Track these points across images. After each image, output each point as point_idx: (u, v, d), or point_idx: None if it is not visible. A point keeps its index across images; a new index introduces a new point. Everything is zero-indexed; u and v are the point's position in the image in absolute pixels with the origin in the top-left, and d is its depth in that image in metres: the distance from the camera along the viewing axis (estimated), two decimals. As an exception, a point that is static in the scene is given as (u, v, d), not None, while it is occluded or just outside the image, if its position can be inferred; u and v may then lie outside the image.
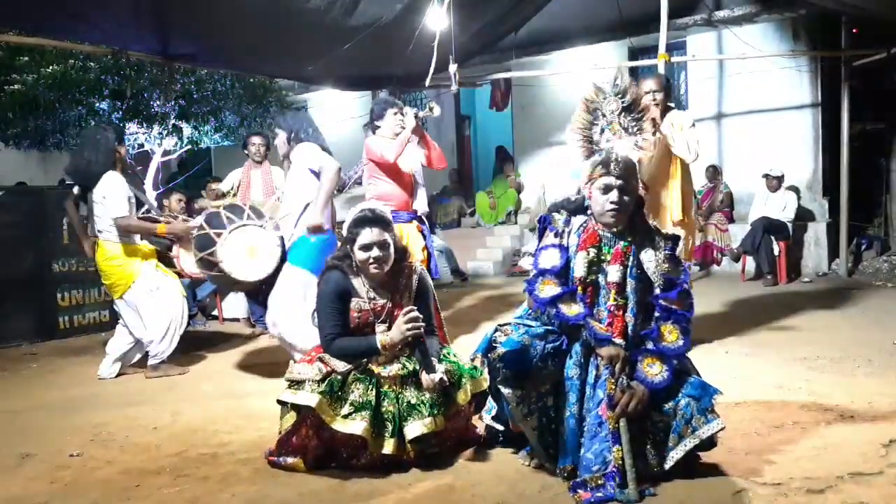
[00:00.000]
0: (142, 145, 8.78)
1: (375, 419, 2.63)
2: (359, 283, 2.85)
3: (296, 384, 2.67)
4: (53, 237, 5.87)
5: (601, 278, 2.56)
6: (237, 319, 6.22)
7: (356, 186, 6.76)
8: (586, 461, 2.41)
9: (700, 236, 8.44)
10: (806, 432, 2.87)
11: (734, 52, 8.34)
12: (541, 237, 2.70)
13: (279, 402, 2.71)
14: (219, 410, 3.55)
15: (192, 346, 5.23)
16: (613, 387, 2.42)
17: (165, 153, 9.16)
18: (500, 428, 2.77)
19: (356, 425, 2.58)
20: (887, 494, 2.28)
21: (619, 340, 2.49)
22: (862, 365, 3.99)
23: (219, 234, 3.87)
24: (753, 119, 8.69)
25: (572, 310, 2.49)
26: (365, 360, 2.76)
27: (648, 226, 2.66)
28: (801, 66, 8.29)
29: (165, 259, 4.60)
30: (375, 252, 2.78)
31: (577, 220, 2.65)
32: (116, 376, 4.38)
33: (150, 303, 4.30)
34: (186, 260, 4.47)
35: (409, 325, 2.72)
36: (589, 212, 2.64)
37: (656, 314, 2.52)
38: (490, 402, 2.76)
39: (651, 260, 2.56)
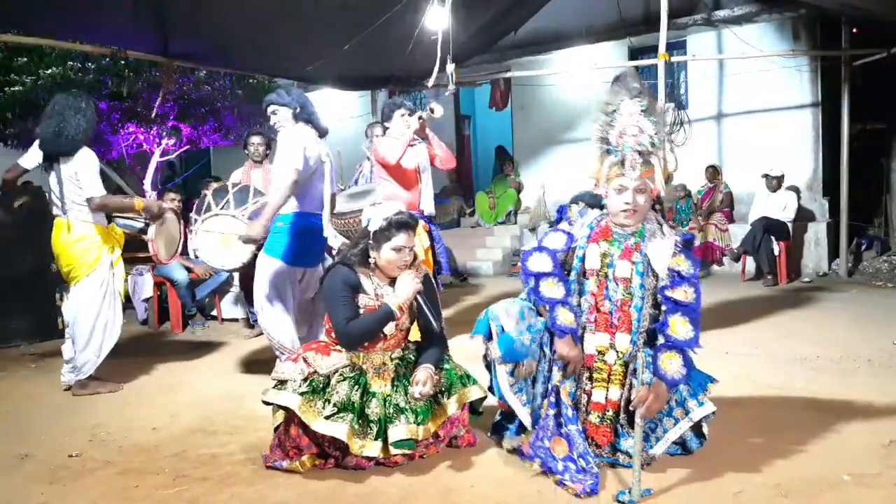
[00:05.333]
0: (140, 145, 8.79)
1: (360, 420, 2.64)
2: (366, 281, 2.87)
3: (280, 384, 2.69)
4: (52, 237, 5.85)
5: (610, 272, 2.62)
6: (236, 320, 6.21)
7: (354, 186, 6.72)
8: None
9: (700, 236, 8.45)
10: (806, 432, 2.87)
11: (734, 51, 8.34)
12: (557, 223, 2.82)
13: (264, 402, 2.73)
14: (218, 411, 3.55)
15: (192, 347, 5.23)
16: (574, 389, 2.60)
17: (164, 153, 9.17)
18: (516, 446, 2.75)
19: (337, 427, 2.58)
20: (887, 495, 2.29)
21: (604, 335, 2.61)
22: (862, 365, 3.99)
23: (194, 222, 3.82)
24: (753, 119, 8.68)
25: (551, 291, 2.59)
26: (353, 361, 2.80)
27: (660, 221, 2.68)
28: (801, 66, 8.29)
29: (137, 244, 4.32)
30: (405, 255, 2.83)
31: (593, 213, 2.73)
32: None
33: (89, 299, 3.93)
34: (160, 245, 4.18)
35: (414, 280, 2.80)
36: (605, 210, 2.70)
37: (664, 307, 2.53)
38: (510, 429, 2.81)
39: (659, 256, 2.57)
